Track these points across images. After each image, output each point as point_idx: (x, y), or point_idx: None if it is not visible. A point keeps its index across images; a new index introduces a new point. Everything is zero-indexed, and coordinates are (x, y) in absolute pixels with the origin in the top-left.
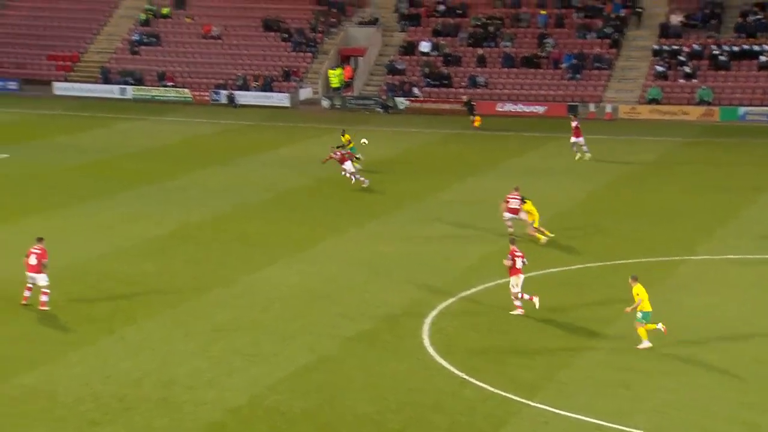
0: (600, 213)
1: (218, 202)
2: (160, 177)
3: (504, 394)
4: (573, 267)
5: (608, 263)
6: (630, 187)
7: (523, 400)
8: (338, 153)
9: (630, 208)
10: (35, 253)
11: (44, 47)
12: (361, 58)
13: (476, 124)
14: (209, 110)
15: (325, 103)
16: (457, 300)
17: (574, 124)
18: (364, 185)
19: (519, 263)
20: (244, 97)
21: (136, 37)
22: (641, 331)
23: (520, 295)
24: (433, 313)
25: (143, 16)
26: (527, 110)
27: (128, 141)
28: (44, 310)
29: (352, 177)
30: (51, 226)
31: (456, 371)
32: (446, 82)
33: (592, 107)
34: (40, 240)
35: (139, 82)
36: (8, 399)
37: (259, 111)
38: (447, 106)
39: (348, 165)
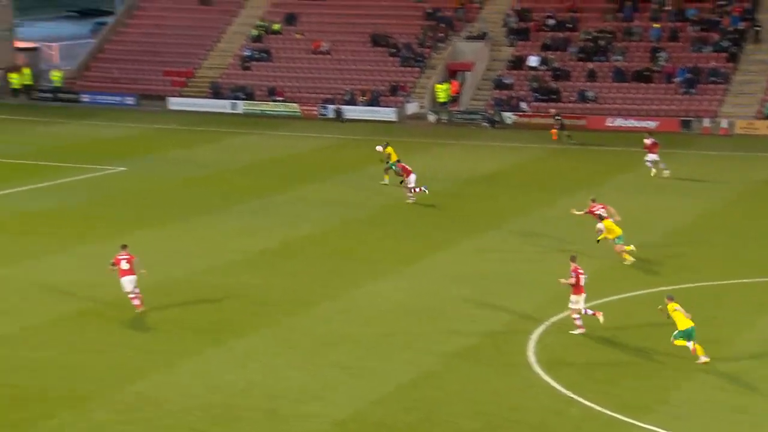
0: (712, 231)
1: (324, 216)
2: (267, 191)
3: (611, 414)
4: (683, 286)
5: (718, 283)
6: (745, 205)
7: (632, 421)
8: (401, 165)
9: (745, 227)
10: (125, 259)
11: (161, 63)
12: (469, 72)
13: (554, 135)
14: (317, 124)
15: (432, 117)
16: (563, 317)
17: (649, 141)
18: (412, 195)
19: (582, 281)
20: (351, 112)
21: (247, 53)
22: (679, 342)
23: (583, 311)
24: (539, 329)
25: (255, 33)
26: (638, 125)
27: (238, 155)
28: (140, 310)
29: (414, 190)
30: (164, 238)
31: (561, 389)
32: (554, 96)
33: (706, 122)
34: (124, 247)
35: (249, 96)
36: (120, 405)
37: (366, 125)
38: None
39: (412, 178)
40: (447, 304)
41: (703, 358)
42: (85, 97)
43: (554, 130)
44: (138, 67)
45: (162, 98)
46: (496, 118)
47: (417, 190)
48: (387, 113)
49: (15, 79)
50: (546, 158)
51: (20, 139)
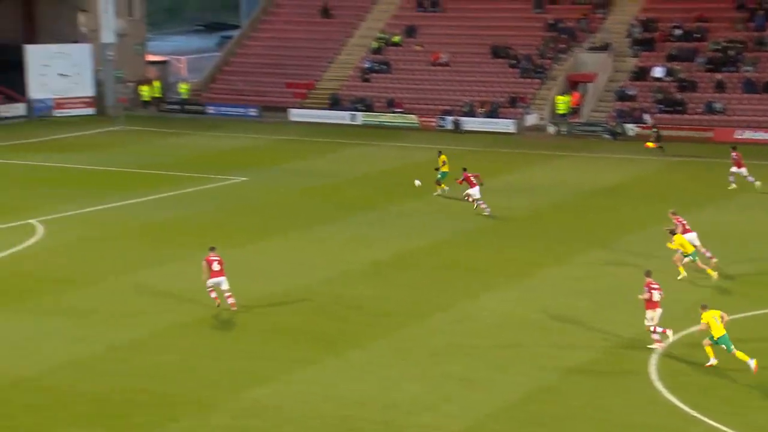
0: None
1: (439, 227)
2: (383, 202)
3: None
4: None
5: None
6: None
7: None
8: (467, 175)
9: None
10: (215, 260)
11: (283, 76)
12: (590, 84)
13: (648, 146)
14: (435, 136)
15: (551, 129)
16: (687, 333)
17: (735, 154)
18: (485, 213)
19: (656, 296)
20: (469, 123)
21: (367, 65)
22: (708, 349)
23: (652, 329)
24: (660, 345)
25: (375, 45)
26: None
27: (355, 166)
28: (235, 309)
29: (475, 203)
30: (282, 247)
31: (685, 408)
32: (680, 108)
33: None
34: (213, 249)
35: (368, 108)
36: (239, 411)
37: (484, 137)
38: (681, 133)
39: (475, 190)
40: (563, 317)
41: (712, 360)
42: (211, 109)
43: (650, 142)
44: (261, 79)
45: (283, 110)
46: (618, 130)
47: (479, 203)
48: (506, 125)
49: (145, 92)
50: (669, 171)
51: (149, 149)
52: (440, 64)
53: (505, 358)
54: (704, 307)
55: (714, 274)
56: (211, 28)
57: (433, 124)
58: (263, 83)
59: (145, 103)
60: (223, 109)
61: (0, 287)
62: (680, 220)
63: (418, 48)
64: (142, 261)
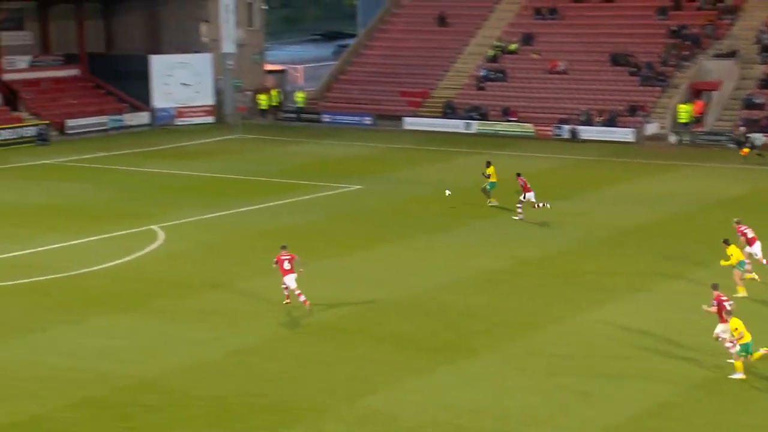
0: None
1: (552, 237)
2: (495, 211)
3: None
4: None
5: None
6: None
7: None
8: (522, 180)
9: None
10: (287, 259)
11: (397, 84)
12: (715, 92)
13: (744, 152)
14: (551, 145)
15: (673, 138)
16: None
17: None
18: (516, 217)
19: (726, 309)
20: (587, 132)
21: (483, 73)
22: (738, 363)
23: (719, 339)
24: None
25: (491, 53)
26: None
27: (468, 175)
28: (309, 307)
29: (536, 205)
30: (394, 255)
31: None
32: None
33: None
34: (284, 247)
35: (483, 116)
36: (354, 419)
37: (602, 146)
38: None
39: (530, 195)
40: (683, 332)
41: (740, 374)
42: (326, 117)
43: (746, 150)
44: (376, 88)
45: (398, 118)
46: (743, 140)
47: (540, 205)
48: (624, 134)
49: (263, 101)
50: None
51: (266, 157)
52: (557, 72)
53: (623, 372)
54: (729, 314)
55: (753, 276)
56: (328, 37)
57: (550, 133)
58: (378, 92)
59: (263, 112)
60: (339, 117)
61: (123, 291)
62: (744, 229)
63: (535, 56)
64: (260, 267)
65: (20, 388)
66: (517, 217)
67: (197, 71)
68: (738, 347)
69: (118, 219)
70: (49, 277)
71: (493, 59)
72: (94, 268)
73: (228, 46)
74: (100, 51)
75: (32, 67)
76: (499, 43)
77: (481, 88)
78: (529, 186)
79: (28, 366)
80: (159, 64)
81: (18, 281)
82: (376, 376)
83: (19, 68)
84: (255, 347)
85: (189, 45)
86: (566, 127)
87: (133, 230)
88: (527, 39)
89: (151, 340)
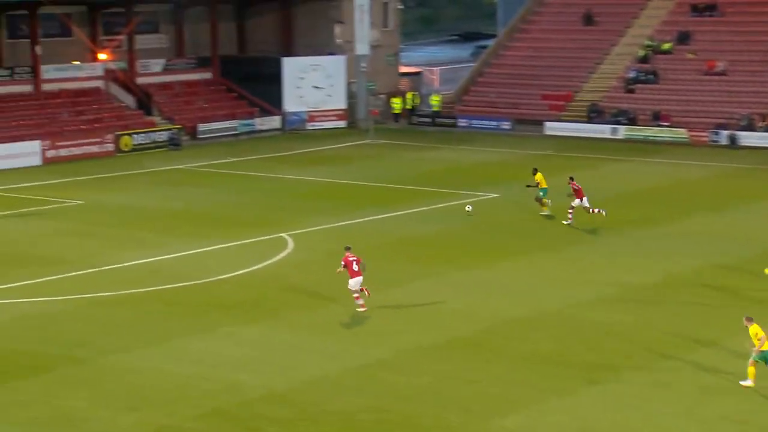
0: None
1: (705, 251)
2: (645, 222)
3: None
4: None
5: None
6: None
7: None
8: (575, 185)
9: None
10: (354, 260)
11: (539, 87)
12: None
13: None
14: (706, 152)
15: None
16: None
17: None
18: (566, 222)
19: None
20: (747, 138)
21: (632, 75)
22: (750, 369)
23: None
24: None
25: (642, 53)
26: None
27: (615, 183)
28: (364, 310)
29: (591, 211)
30: (533, 268)
31: None
32: None
33: None
34: (349, 248)
35: (631, 121)
36: None
37: (764, 153)
38: None
39: (583, 201)
40: None
41: (749, 382)
42: (462, 122)
43: None
44: (515, 91)
45: (538, 123)
46: None
47: (594, 211)
48: None
49: (397, 104)
50: None
51: (398, 163)
52: (716, 73)
53: None
54: (749, 320)
55: None
56: (466, 37)
57: (705, 138)
58: (518, 95)
59: (396, 116)
60: (475, 122)
61: (254, 299)
62: None
63: (691, 56)
64: (390, 278)
65: (150, 397)
66: (567, 222)
67: (330, 74)
68: (758, 353)
69: (248, 226)
70: (179, 284)
71: (644, 60)
72: (225, 276)
73: (362, 48)
74: (232, 53)
75: (165, 70)
76: (650, 43)
77: (630, 91)
78: (582, 191)
79: (159, 374)
80: (291, 67)
81: (149, 288)
82: (514, 395)
83: (153, 72)
84: (386, 361)
85: (322, 47)
86: (724, 132)
87: (263, 238)
88: (682, 38)
89: (281, 350)
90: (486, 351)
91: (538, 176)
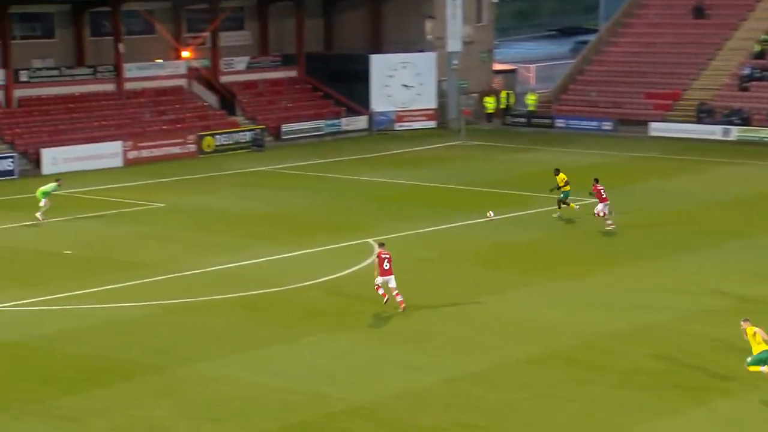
0: None
1: None
2: (759, 230)
3: None
4: None
5: None
6: None
7: None
8: (598, 188)
9: None
10: (386, 257)
11: (643, 84)
12: None
13: None
14: None
15: None
16: None
17: None
18: (608, 227)
19: None
20: None
21: (746, 72)
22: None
23: None
24: None
25: (758, 48)
26: None
27: (726, 188)
28: (403, 308)
29: (606, 220)
30: (635, 277)
31: None
32: None
33: None
34: (383, 245)
35: (745, 121)
36: None
37: None
38: None
39: (601, 206)
40: None
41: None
42: (560, 122)
43: None
44: (618, 89)
45: (643, 123)
46: None
47: (602, 214)
48: None
49: (490, 103)
50: None
51: (490, 166)
52: None
53: None
54: (746, 321)
55: None
56: (565, 32)
57: None
58: (620, 93)
59: (489, 116)
60: (573, 122)
61: (337, 307)
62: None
63: None
64: (482, 286)
65: (230, 408)
66: (609, 228)
67: (419, 71)
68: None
69: (333, 230)
70: (261, 291)
71: (760, 55)
72: (308, 282)
73: (454, 44)
74: (318, 50)
75: (249, 68)
76: (767, 37)
77: (743, 89)
78: (604, 195)
79: (239, 384)
80: (379, 64)
81: (230, 294)
82: (617, 416)
83: (237, 70)
84: (477, 375)
85: (412, 43)
86: None
87: (348, 243)
88: None
89: (366, 361)
90: (583, 367)
91: (560, 177)
